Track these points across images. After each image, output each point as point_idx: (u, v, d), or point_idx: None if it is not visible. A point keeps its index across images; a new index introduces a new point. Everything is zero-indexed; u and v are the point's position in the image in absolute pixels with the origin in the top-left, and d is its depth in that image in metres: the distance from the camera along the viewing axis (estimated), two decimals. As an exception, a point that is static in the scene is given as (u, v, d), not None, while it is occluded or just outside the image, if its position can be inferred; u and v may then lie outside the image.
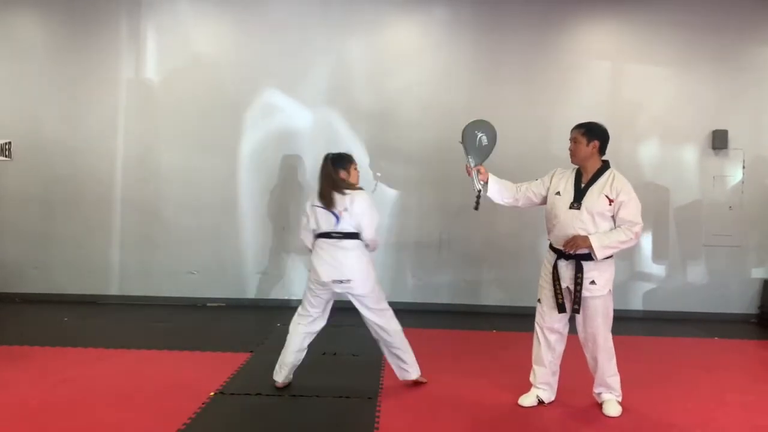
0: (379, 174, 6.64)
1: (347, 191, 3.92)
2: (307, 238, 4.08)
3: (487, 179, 3.87)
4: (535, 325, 3.93)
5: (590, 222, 3.64)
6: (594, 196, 3.66)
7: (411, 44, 6.81)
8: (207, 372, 4.37)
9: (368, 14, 6.73)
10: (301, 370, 4.11)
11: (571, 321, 3.85)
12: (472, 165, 3.89)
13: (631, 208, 3.63)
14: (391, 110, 6.69)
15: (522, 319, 5.07)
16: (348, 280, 3.91)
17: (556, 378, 3.94)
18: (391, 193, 6.71)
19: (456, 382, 4.30)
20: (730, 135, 6.59)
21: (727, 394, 4.23)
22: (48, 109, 6.76)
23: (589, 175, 3.74)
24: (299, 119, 6.65)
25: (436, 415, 3.74)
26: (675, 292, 6.71)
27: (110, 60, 6.76)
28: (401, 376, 4.16)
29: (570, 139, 3.80)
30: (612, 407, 3.78)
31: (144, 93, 6.78)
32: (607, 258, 3.67)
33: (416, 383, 4.19)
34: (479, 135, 3.92)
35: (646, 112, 6.69)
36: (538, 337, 3.91)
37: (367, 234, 3.96)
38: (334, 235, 3.93)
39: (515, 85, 6.69)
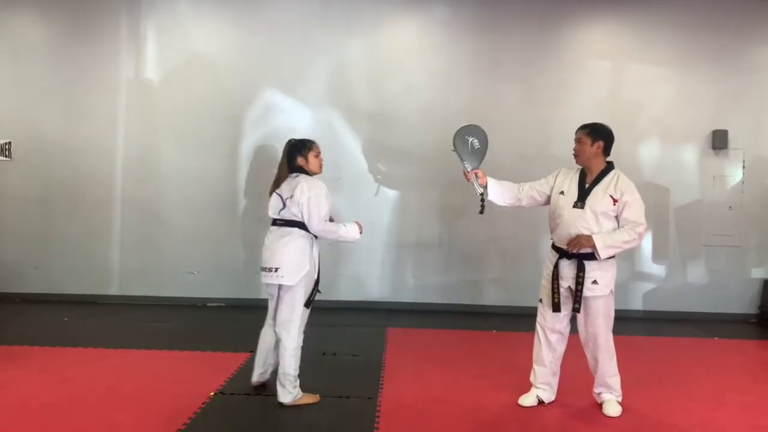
0: (379, 177, 6.64)
1: (297, 177, 3.79)
2: None
3: (486, 183, 3.89)
4: (537, 324, 3.93)
5: (594, 221, 3.65)
6: (598, 195, 3.68)
7: (411, 44, 6.81)
8: (207, 372, 4.37)
9: (368, 14, 6.73)
10: (301, 370, 4.10)
11: (573, 321, 3.85)
12: (469, 169, 3.90)
13: (635, 209, 3.64)
14: (391, 110, 6.69)
15: (522, 319, 5.08)
16: (276, 269, 3.69)
17: (557, 378, 3.94)
18: (391, 193, 6.72)
19: (456, 382, 4.30)
20: (730, 135, 6.59)
21: (727, 394, 4.23)
22: (48, 109, 6.76)
23: (594, 175, 3.75)
24: (299, 119, 6.63)
25: (436, 415, 3.73)
26: (675, 292, 6.71)
27: (110, 60, 6.76)
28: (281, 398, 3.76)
29: (575, 140, 3.82)
30: (612, 407, 3.78)
31: (144, 93, 6.78)
32: (610, 258, 3.68)
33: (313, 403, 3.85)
34: (470, 139, 3.94)
35: (646, 112, 6.69)
36: (539, 337, 3.91)
37: (312, 224, 3.70)
38: (278, 221, 3.80)
39: (515, 85, 6.69)
